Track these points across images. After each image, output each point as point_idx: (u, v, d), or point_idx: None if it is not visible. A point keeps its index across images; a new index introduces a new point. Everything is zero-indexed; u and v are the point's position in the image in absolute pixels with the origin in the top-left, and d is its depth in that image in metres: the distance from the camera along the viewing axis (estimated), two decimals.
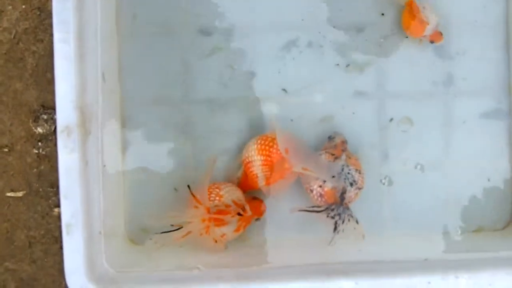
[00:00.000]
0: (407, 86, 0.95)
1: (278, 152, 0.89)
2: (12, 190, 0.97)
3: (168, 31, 0.95)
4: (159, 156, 0.94)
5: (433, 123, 0.96)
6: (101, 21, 0.87)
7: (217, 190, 0.88)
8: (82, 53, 0.82)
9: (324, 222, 0.89)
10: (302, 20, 0.95)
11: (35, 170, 0.97)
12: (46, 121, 0.97)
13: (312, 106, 0.95)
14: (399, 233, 0.93)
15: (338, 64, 0.95)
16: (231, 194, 0.88)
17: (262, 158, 0.89)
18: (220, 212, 0.85)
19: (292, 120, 0.94)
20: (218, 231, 0.85)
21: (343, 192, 0.88)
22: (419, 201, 0.95)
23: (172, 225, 0.85)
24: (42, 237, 0.97)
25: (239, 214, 0.86)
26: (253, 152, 0.90)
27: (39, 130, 0.97)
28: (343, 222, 0.87)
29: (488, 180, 0.95)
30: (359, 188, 0.90)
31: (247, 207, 0.87)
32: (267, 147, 0.89)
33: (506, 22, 0.96)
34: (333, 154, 0.90)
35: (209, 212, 0.85)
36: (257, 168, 0.89)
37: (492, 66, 0.96)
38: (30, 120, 0.97)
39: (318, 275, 0.80)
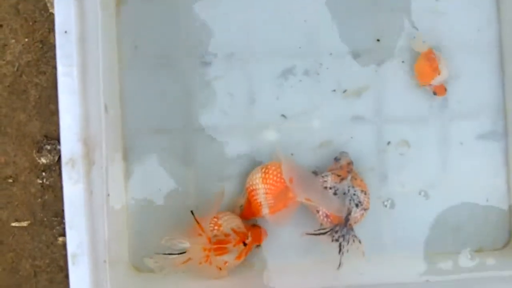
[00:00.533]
0: (403, 110, 0.97)
1: (283, 181, 0.89)
2: (16, 220, 0.98)
3: (168, 61, 0.96)
4: (161, 185, 0.95)
5: (430, 145, 0.97)
6: (103, 53, 0.89)
7: (216, 219, 0.88)
8: (85, 86, 0.83)
9: (326, 245, 0.90)
10: (299, 48, 0.97)
11: (39, 200, 0.98)
12: (49, 151, 0.98)
13: (311, 132, 0.96)
14: (400, 255, 0.94)
15: (335, 90, 0.96)
16: (230, 222, 0.89)
17: (266, 186, 0.90)
18: (219, 242, 0.86)
19: (292, 154, 0.96)
20: (219, 259, 0.86)
21: (348, 213, 0.89)
22: (418, 223, 0.96)
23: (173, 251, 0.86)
24: (47, 266, 0.98)
25: (244, 244, 0.87)
26: (257, 181, 0.90)
27: (43, 160, 0.98)
28: (348, 243, 0.88)
29: (487, 200, 0.97)
30: (365, 209, 0.91)
31: (250, 235, 0.88)
32: (271, 176, 0.90)
33: (500, 45, 0.98)
34: (339, 175, 0.91)
35: (210, 241, 0.86)
36: (261, 196, 0.90)
37: (486, 88, 0.98)
38: (34, 151, 0.98)
39: None
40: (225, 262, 0.87)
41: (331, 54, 0.97)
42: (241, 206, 0.93)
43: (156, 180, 0.95)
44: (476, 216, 0.96)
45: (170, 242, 0.85)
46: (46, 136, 0.98)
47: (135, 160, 0.95)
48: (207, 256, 0.85)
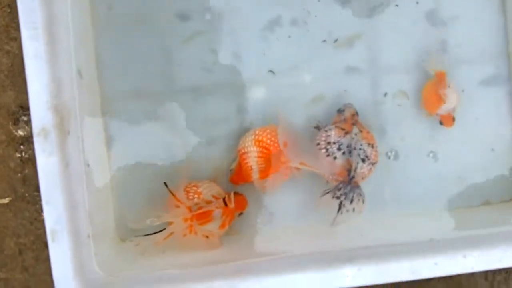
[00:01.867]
0: (400, 58, 0.91)
1: (276, 145, 0.85)
2: None
3: (145, 19, 0.91)
4: (146, 150, 0.91)
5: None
6: (73, 13, 0.83)
7: (195, 188, 0.85)
8: (54, 50, 0.78)
9: (324, 207, 0.86)
10: None
11: (19, 174, 0.94)
12: (26, 123, 0.93)
13: (302, 87, 0.91)
14: (402, 213, 0.90)
15: (325, 40, 0.91)
16: (210, 189, 0.86)
17: (258, 149, 0.86)
18: (201, 209, 0.83)
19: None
20: (203, 229, 0.83)
21: (353, 169, 0.84)
22: (421, 177, 0.91)
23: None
24: (32, 243, 0.94)
25: (225, 203, 0.83)
26: (249, 143, 0.86)
27: (20, 132, 0.93)
28: (351, 202, 0.83)
29: (492, 150, 0.91)
30: (373, 163, 0.86)
31: (232, 196, 0.84)
32: (264, 139, 0.86)
33: None
34: (343, 129, 0.86)
35: (190, 210, 0.82)
36: (253, 160, 0.86)
37: (488, 30, 0.92)
38: (10, 123, 0.94)
39: (319, 264, 0.77)
40: (209, 232, 0.84)
41: (318, 1, 0.90)
42: (232, 169, 0.89)
43: (140, 146, 0.91)
44: (481, 167, 0.91)
45: (149, 221, 0.81)
46: (21, 107, 0.93)
47: (116, 126, 0.91)
48: (190, 226, 0.82)
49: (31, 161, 0.93)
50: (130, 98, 0.90)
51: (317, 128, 0.89)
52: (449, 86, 0.87)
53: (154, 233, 0.82)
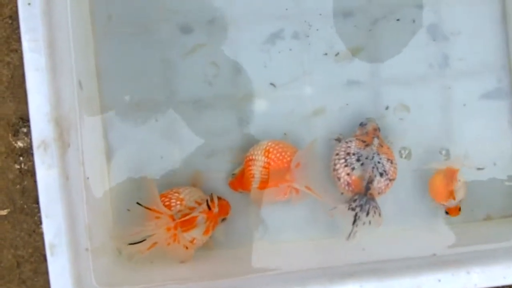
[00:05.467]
0: (401, 72, 0.91)
1: (284, 160, 0.84)
2: None
3: (146, 30, 0.90)
4: (146, 163, 0.90)
5: (431, 108, 0.91)
6: (73, 25, 0.82)
7: (177, 194, 0.84)
8: (55, 61, 0.77)
9: (338, 218, 0.86)
10: (286, 9, 0.90)
11: (18, 186, 0.93)
12: (26, 134, 0.93)
13: (303, 100, 0.90)
14: (404, 228, 0.89)
15: (326, 54, 0.90)
16: (192, 195, 0.84)
17: (266, 160, 0.85)
18: (185, 216, 0.81)
19: (285, 134, 0.90)
20: (187, 236, 0.82)
21: (369, 181, 0.83)
22: (423, 192, 0.90)
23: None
24: (30, 256, 0.93)
25: (208, 207, 0.82)
26: (259, 152, 0.85)
27: (20, 144, 0.93)
28: (367, 214, 0.82)
29: (494, 164, 0.91)
30: (390, 180, 0.85)
31: (215, 198, 0.83)
32: (275, 152, 0.85)
33: None
34: (363, 141, 0.85)
35: (173, 219, 0.81)
36: (257, 168, 0.85)
37: (489, 43, 0.91)
38: (10, 135, 0.93)
39: (320, 280, 0.76)
40: (193, 239, 0.82)
41: (320, 14, 0.90)
42: (234, 174, 0.89)
43: (140, 158, 0.90)
44: (483, 182, 0.90)
45: (132, 237, 0.80)
46: (21, 118, 0.93)
47: (116, 138, 0.90)
48: (174, 235, 0.81)
49: (30, 172, 0.93)
50: (130, 110, 0.90)
51: (338, 140, 0.88)
52: (459, 181, 0.86)
53: (137, 242, 0.80)
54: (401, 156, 0.91)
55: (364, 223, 0.82)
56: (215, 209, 0.83)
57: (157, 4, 0.90)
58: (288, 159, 0.84)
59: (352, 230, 0.82)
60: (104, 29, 0.90)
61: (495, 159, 0.91)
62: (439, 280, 0.75)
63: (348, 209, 0.83)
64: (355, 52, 0.91)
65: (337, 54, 0.90)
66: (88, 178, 0.82)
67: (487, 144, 0.91)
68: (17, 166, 0.93)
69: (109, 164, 0.89)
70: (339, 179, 0.85)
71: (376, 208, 0.83)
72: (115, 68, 0.90)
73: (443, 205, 0.87)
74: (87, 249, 0.79)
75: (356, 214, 0.82)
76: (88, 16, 0.89)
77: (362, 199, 0.83)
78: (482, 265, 0.76)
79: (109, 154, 0.89)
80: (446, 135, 0.91)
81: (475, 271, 0.76)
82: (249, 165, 0.86)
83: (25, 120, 0.93)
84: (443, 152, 0.91)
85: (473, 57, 0.91)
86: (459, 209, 0.87)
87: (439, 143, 0.91)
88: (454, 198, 0.85)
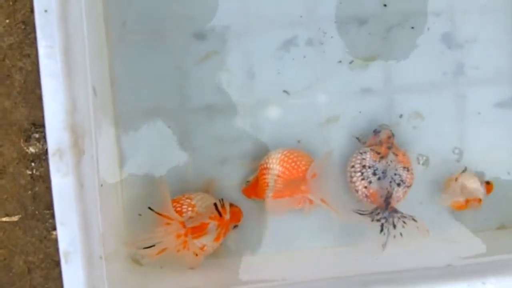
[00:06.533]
0: (415, 80, 0.91)
1: (299, 170, 0.84)
2: (7, 215, 0.93)
3: (160, 37, 0.90)
4: (158, 169, 0.90)
5: (445, 116, 0.91)
6: (88, 31, 0.82)
7: (189, 200, 0.84)
8: (70, 68, 0.77)
9: (339, 229, 0.86)
10: (301, 16, 0.90)
11: (29, 192, 0.93)
12: (38, 140, 0.92)
13: (316, 107, 0.90)
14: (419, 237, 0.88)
15: (340, 61, 0.90)
16: (204, 201, 0.84)
17: (281, 169, 0.84)
18: (195, 222, 0.81)
19: (299, 141, 0.90)
20: (197, 243, 0.81)
21: (388, 197, 0.83)
22: (435, 201, 0.90)
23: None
24: (41, 262, 0.93)
25: (219, 213, 0.82)
26: (274, 160, 0.85)
27: (31, 150, 0.92)
28: (394, 227, 0.82)
29: (508, 173, 0.91)
30: (408, 187, 0.85)
31: (227, 205, 0.83)
32: (290, 161, 0.84)
33: None
34: (378, 153, 0.85)
35: (184, 226, 0.80)
36: (272, 177, 0.84)
37: (504, 51, 0.91)
38: (22, 140, 0.93)
39: None
40: (203, 246, 0.82)
41: (335, 22, 0.90)
42: (248, 181, 0.88)
43: (152, 164, 0.90)
44: (497, 191, 0.89)
45: (141, 243, 0.80)
46: (33, 124, 0.92)
47: (129, 145, 0.90)
48: (184, 242, 0.80)
49: (42, 178, 0.92)
50: (143, 116, 0.90)
51: (358, 139, 0.89)
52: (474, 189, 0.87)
53: (147, 247, 0.80)
54: (418, 163, 0.90)
55: (394, 236, 0.82)
56: (226, 216, 0.83)
57: (170, 11, 0.90)
58: (303, 168, 0.84)
59: (386, 240, 0.82)
60: (118, 35, 0.90)
61: (509, 168, 0.90)
62: None
63: (372, 220, 0.83)
64: (369, 59, 0.90)
65: (351, 62, 0.90)
66: (102, 185, 0.81)
67: (502, 153, 0.91)
68: (29, 172, 0.93)
69: (122, 170, 0.89)
70: (357, 191, 0.85)
71: (405, 217, 0.83)
72: (128, 75, 0.90)
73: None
74: (101, 257, 0.78)
75: (382, 224, 0.82)
76: (102, 22, 0.89)
77: (384, 213, 0.83)
78: (498, 275, 0.76)
79: (122, 161, 0.89)
80: (460, 143, 0.91)
81: (491, 281, 0.76)
82: (264, 174, 0.85)
83: (37, 125, 0.92)
84: (456, 151, 0.91)
85: (487, 65, 0.91)
86: (480, 201, 0.87)
87: (453, 151, 0.90)
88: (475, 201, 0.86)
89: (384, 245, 0.82)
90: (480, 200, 0.87)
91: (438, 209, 0.90)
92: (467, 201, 0.86)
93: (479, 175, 0.89)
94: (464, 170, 0.89)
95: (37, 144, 0.93)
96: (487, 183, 0.88)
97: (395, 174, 0.84)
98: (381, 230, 0.82)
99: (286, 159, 0.85)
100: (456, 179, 0.87)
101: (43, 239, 0.93)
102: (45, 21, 0.75)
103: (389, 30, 0.90)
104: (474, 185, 0.87)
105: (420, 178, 0.89)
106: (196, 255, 0.81)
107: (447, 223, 0.90)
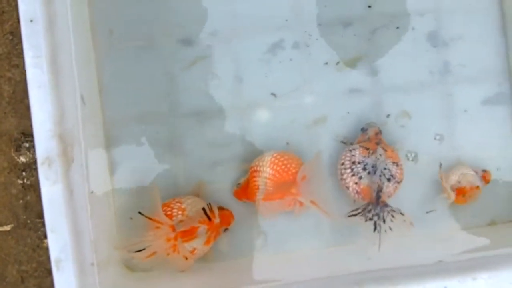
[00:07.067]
0: (402, 79, 0.91)
1: (289, 172, 0.84)
2: None
3: (147, 44, 0.91)
4: (149, 175, 0.90)
5: (432, 115, 0.91)
6: (75, 41, 0.82)
7: (179, 204, 0.84)
8: (57, 78, 0.77)
9: (330, 230, 0.87)
10: (286, 20, 0.90)
11: (21, 201, 0.93)
12: (28, 149, 0.93)
13: (304, 109, 0.91)
14: (409, 235, 0.88)
15: (327, 63, 0.91)
16: (194, 205, 0.84)
17: (271, 172, 0.85)
18: (185, 226, 0.82)
19: (288, 143, 0.90)
20: (188, 246, 0.81)
21: (379, 190, 0.83)
22: (426, 198, 0.90)
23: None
24: (34, 270, 0.93)
25: (208, 217, 0.82)
26: (264, 163, 0.85)
27: (22, 159, 0.93)
28: (384, 221, 0.83)
29: (498, 169, 0.91)
30: (398, 182, 0.85)
31: (216, 210, 0.83)
32: (280, 164, 0.85)
33: (501, 2, 0.91)
34: (367, 148, 0.86)
35: (174, 229, 0.81)
36: (262, 180, 0.85)
37: (489, 49, 0.92)
38: (12, 150, 0.93)
39: None
40: (194, 249, 0.82)
41: (320, 24, 0.91)
42: (239, 184, 0.88)
43: (143, 171, 0.90)
44: (487, 187, 0.90)
45: (132, 247, 0.80)
46: (23, 133, 0.93)
47: (120, 152, 0.90)
48: (174, 245, 0.80)
49: (33, 187, 0.93)
50: (133, 123, 0.90)
51: (344, 143, 0.89)
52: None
53: (138, 251, 0.80)
54: (408, 159, 0.91)
55: (385, 231, 0.82)
56: (216, 220, 0.83)
57: (157, 18, 0.90)
58: (293, 171, 0.84)
59: (379, 240, 0.82)
60: (106, 44, 0.90)
61: (499, 164, 0.91)
62: (446, 287, 0.75)
63: (366, 221, 0.83)
64: (355, 61, 0.91)
65: (337, 63, 0.91)
66: (92, 192, 0.82)
67: (490, 149, 0.91)
68: (20, 181, 0.93)
69: (113, 177, 0.89)
70: (347, 188, 0.86)
71: (394, 211, 0.83)
72: (117, 82, 0.90)
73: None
74: (92, 264, 0.78)
75: (375, 222, 0.83)
76: (89, 31, 0.89)
77: (376, 208, 0.83)
78: (488, 271, 0.76)
79: (112, 168, 0.89)
80: (448, 141, 0.91)
81: (482, 277, 0.76)
82: (254, 176, 0.86)
83: (27, 135, 0.93)
84: (437, 137, 0.91)
85: (473, 63, 0.91)
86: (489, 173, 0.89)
87: (441, 149, 0.91)
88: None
89: (378, 244, 0.82)
90: (478, 187, 0.87)
91: (430, 206, 0.90)
92: (465, 191, 0.87)
93: (474, 167, 0.89)
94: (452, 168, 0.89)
95: (28, 153, 0.93)
96: (484, 171, 0.88)
97: (384, 169, 0.84)
98: (375, 228, 0.82)
99: (276, 161, 0.85)
100: (451, 174, 0.88)
101: (36, 247, 0.93)
102: (31, 31, 0.76)
103: (374, 31, 0.91)
104: (470, 176, 0.87)
105: (410, 175, 0.90)
106: (186, 258, 0.81)
107: (439, 220, 0.90)
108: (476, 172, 0.88)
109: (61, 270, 0.75)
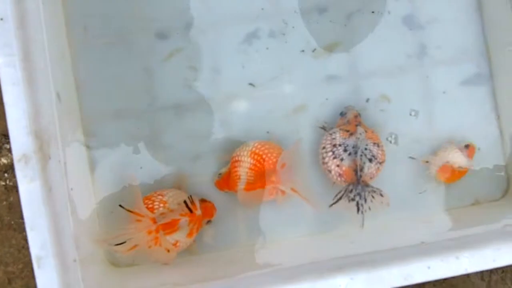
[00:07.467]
0: (379, 63, 0.91)
1: (270, 162, 0.84)
2: None
3: (123, 39, 0.90)
4: (130, 169, 0.89)
5: (412, 98, 0.91)
6: (49, 38, 0.82)
7: (160, 197, 0.84)
8: (31, 75, 0.77)
9: (314, 218, 0.87)
10: (262, 9, 0.90)
11: (4, 202, 0.93)
12: (9, 150, 0.92)
13: (283, 98, 0.91)
14: (392, 218, 0.89)
15: (303, 51, 0.90)
16: (176, 198, 0.84)
17: (252, 161, 0.84)
18: (166, 218, 0.81)
19: (268, 132, 0.90)
20: (170, 239, 0.81)
21: (360, 169, 0.83)
22: (409, 181, 0.90)
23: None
24: (20, 271, 0.93)
25: (189, 209, 0.82)
26: (245, 153, 0.85)
27: (3, 160, 0.93)
28: (365, 201, 0.83)
29: (479, 149, 0.91)
30: (380, 163, 0.85)
31: (197, 202, 0.83)
32: (261, 153, 0.85)
33: None
34: (347, 131, 0.85)
35: (155, 222, 0.80)
36: (243, 170, 0.85)
37: (466, 30, 0.92)
38: None
39: (310, 275, 0.75)
40: (176, 242, 0.82)
41: (295, 12, 0.90)
42: (220, 174, 0.88)
43: (124, 166, 0.90)
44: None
45: (113, 240, 0.79)
46: (3, 135, 0.93)
47: (99, 148, 0.90)
48: (156, 238, 0.80)
49: (16, 188, 0.92)
50: (112, 119, 0.90)
51: (323, 128, 0.89)
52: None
53: (118, 244, 0.79)
54: (390, 142, 0.91)
55: (366, 210, 0.82)
56: (198, 212, 0.83)
57: (131, 13, 0.90)
58: (274, 160, 0.84)
59: (363, 219, 0.82)
60: (81, 40, 0.90)
61: (479, 144, 0.91)
62: (429, 267, 0.75)
63: (349, 201, 0.83)
64: (332, 47, 0.91)
65: (314, 50, 0.91)
66: (72, 189, 0.81)
67: (471, 130, 0.91)
68: (2, 183, 0.93)
69: (93, 173, 0.89)
70: (330, 171, 0.85)
71: (374, 191, 0.83)
72: (94, 79, 0.90)
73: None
74: (75, 260, 0.78)
75: (357, 203, 0.83)
76: (63, 28, 0.89)
77: (357, 187, 0.83)
78: (471, 249, 0.76)
79: (92, 164, 0.89)
80: (428, 123, 0.91)
81: (465, 255, 0.76)
82: (235, 167, 0.86)
83: (7, 136, 0.91)
84: (413, 113, 0.91)
85: (450, 44, 0.91)
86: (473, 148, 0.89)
87: (422, 131, 0.91)
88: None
89: (362, 225, 0.82)
90: (466, 168, 0.88)
91: (413, 188, 0.90)
92: (454, 171, 0.87)
93: (457, 143, 0.90)
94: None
95: (9, 154, 0.93)
96: (466, 146, 0.88)
97: (365, 149, 0.84)
98: (358, 209, 0.82)
99: (257, 151, 0.85)
100: (436, 154, 0.88)
101: (21, 248, 0.93)
102: (1, 29, 0.75)
103: (349, 17, 0.91)
104: (456, 154, 0.87)
105: (392, 157, 0.89)
106: (168, 251, 0.81)
107: (422, 201, 0.90)
108: (461, 150, 0.88)
109: (42, 267, 0.75)
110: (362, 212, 0.83)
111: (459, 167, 0.87)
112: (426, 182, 0.90)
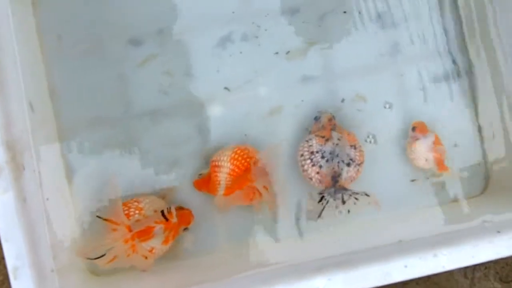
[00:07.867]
0: (354, 63, 0.91)
1: (249, 167, 0.84)
2: None
3: (96, 47, 0.90)
4: (108, 177, 0.89)
5: (387, 95, 0.91)
6: (20, 47, 0.82)
7: (136, 203, 0.83)
8: (1, 85, 0.77)
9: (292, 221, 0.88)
10: (233, 12, 0.90)
11: None
12: None
13: (258, 100, 0.90)
14: (371, 217, 0.88)
15: (277, 53, 0.90)
16: (152, 205, 0.84)
17: (231, 167, 0.84)
18: (141, 225, 0.81)
19: (246, 135, 0.90)
20: (146, 246, 0.81)
21: (336, 175, 0.84)
22: (386, 179, 0.90)
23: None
24: (1, 284, 0.92)
25: (164, 217, 0.81)
26: (225, 158, 0.85)
27: None
28: (343, 202, 0.83)
29: (455, 145, 0.91)
30: (359, 164, 0.85)
31: (173, 210, 0.82)
32: (240, 158, 0.85)
33: None
34: (323, 137, 0.85)
35: (130, 230, 0.80)
36: (223, 175, 0.85)
37: (438, 26, 0.92)
38: None
39: (288, 278, 0.75)
40: (152, 249, 0.82)
41: (267, 14, 0.90)
42: (201, 175, 0.88)
43: (101, 174, 0.89)
44: (446, 164, 0.89)
45: (92, 252, 0.79)
46: None
47: (76, 157, 0.89)
48: (133, 245, 0.80)
49: None
50: (87, 127, 0.89)
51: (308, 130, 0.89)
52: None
53: (97, 258, 0.79)
54: (369, 143, 0.91)
55: (340, 212, 0.83)
56: (173, 219, 0.82)
57: (104, 21, 0.90)
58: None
59: (321, 210, 0.83)
60: (54, 49, 0.90)
61: (455, 140, 0.91)
62: (406, 266, 0.75)
63: (319, 202, 0.83)
64: (306, 48, 0.91)
65: (288, 52, 0.91)
66: (48, 199, 0.81)
67: (447, 126, 0.91)
68: None
69: (71, 182, 0.88)
70: (311, 179, 0.85)
71: (357, 193, 0.84)
72: (68, 87, 0.90)
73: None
74: (52, 270, 0.78)
75: (323, 197, 0.83)
76: (36, 37, 0.89)
77: (330, 190, 0.83)
78: (449, 246, 0.76)
79: (69, 174, 0.89)
80: (404, 119, 0.91)
81: (443, 253, 0.75)
82: (215, 171, 0.85)
83: None
84: (387, 106, 0.91)
85: (423, 41, 0.91)
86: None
87: (400, 128, 0.91)
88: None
89: (319, 215, 0.83)
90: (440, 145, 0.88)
91: (394, 185, 0.90)
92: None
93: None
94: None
95: None
96: (413, 129, 0.88)
97: (343, 154, 0.84)
98: (320, 200, 0.83)
99: (236, 156, 0.85)
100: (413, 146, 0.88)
101: (1, 259, 0.92)
102: None
103: (322, 17, 0.91)
104: (420, 145, 0.87)
105: (372, 157, 0.90)
106: (146, 257, 0.81)
107: (400, 200, 0.90)
108: (418, 137, 0.88)
109: (18, 278, 0.74)
110: (323, 204, 0.83)
111: (435, 151, 0.87)
112: (400, 181, 0.90)
